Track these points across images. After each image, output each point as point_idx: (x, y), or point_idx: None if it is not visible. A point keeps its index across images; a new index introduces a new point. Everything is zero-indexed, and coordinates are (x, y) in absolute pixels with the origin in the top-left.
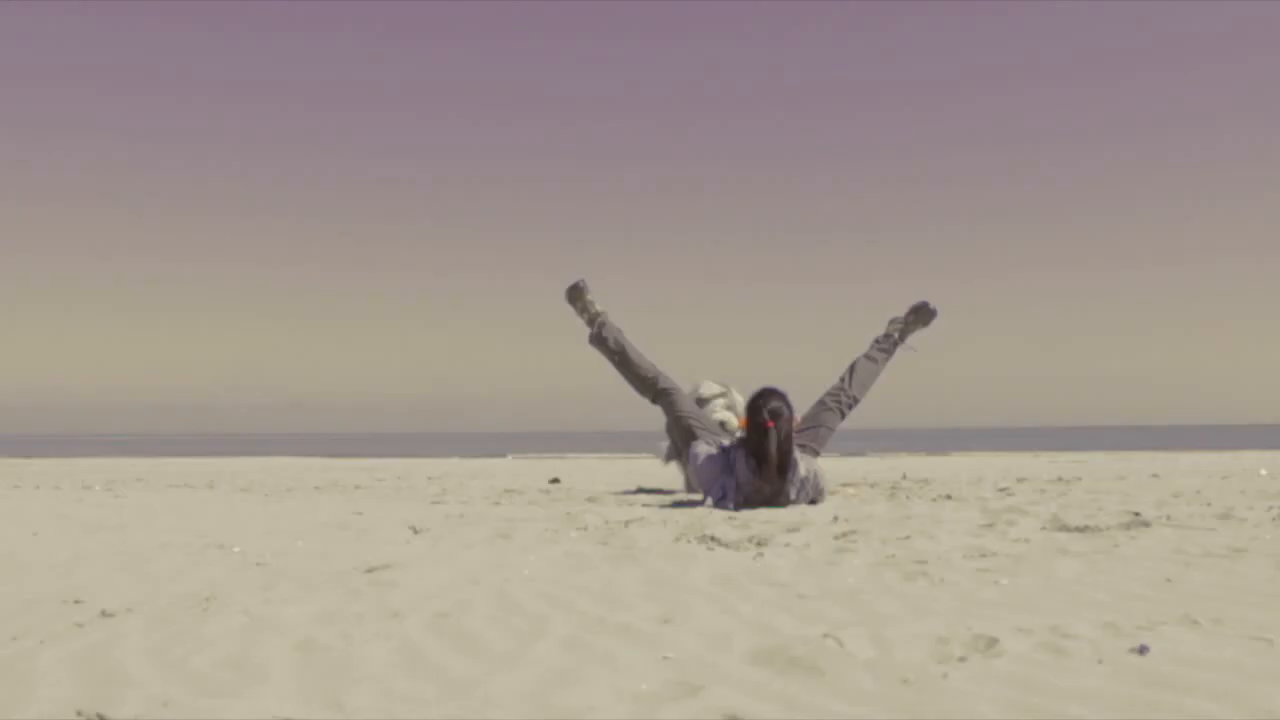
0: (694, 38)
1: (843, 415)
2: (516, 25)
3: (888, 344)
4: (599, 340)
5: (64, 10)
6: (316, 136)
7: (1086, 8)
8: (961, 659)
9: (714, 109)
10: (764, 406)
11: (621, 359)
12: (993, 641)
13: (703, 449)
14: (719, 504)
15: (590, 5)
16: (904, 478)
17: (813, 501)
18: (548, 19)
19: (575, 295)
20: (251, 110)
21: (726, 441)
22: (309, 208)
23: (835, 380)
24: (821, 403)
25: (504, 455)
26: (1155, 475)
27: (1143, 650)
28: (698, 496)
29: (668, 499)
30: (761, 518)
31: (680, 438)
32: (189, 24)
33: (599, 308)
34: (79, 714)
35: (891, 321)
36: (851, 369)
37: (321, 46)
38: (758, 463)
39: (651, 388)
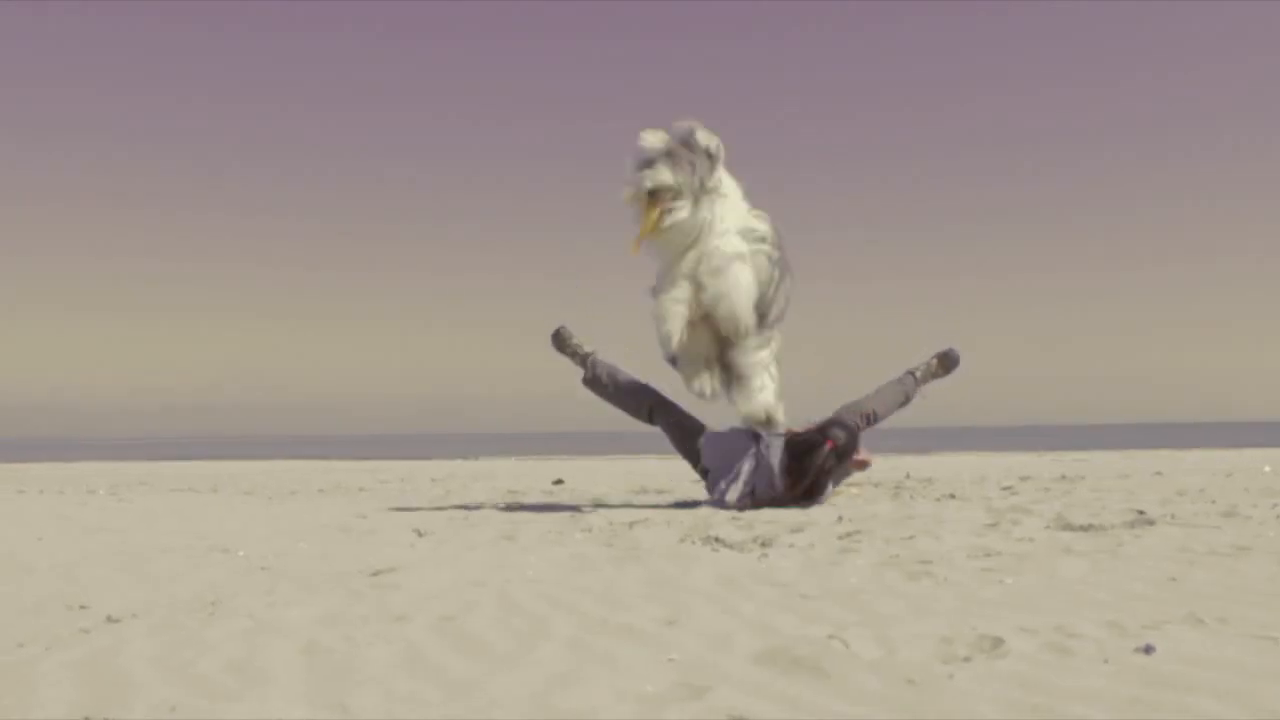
0: (694, 38)
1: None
2: (516, 25)
3: (909, 381)
4: (593, 381)
5: (64, 10)
6: (316, 136)
7: (1086, 8)
8: (966, 659)
9: (714, 109)
10: (834, 426)
11: (616, 391)
12: (997, 642)
13: (717, 431)
14: (736, 499)
15: (590, 5)
16: (907, 477)
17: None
18: (548, 19)
19: (561, 342)
20: (251, 110)
21: (763, 433)
22: (309, 208)
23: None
24: (839, 413)
25: (507, 456)
26: (1159, 473)
27: (1148, 650)
28: (703, 497)
29: (672, 500)
30: (765, 518)
31: (682, 441)
32: (189, 24)
33: (588, 348)
34: (86, 719)
35: (909, 373)
36: (878, 390)
37: (321, 46)
38: (792, 460)
39: (646, 405)
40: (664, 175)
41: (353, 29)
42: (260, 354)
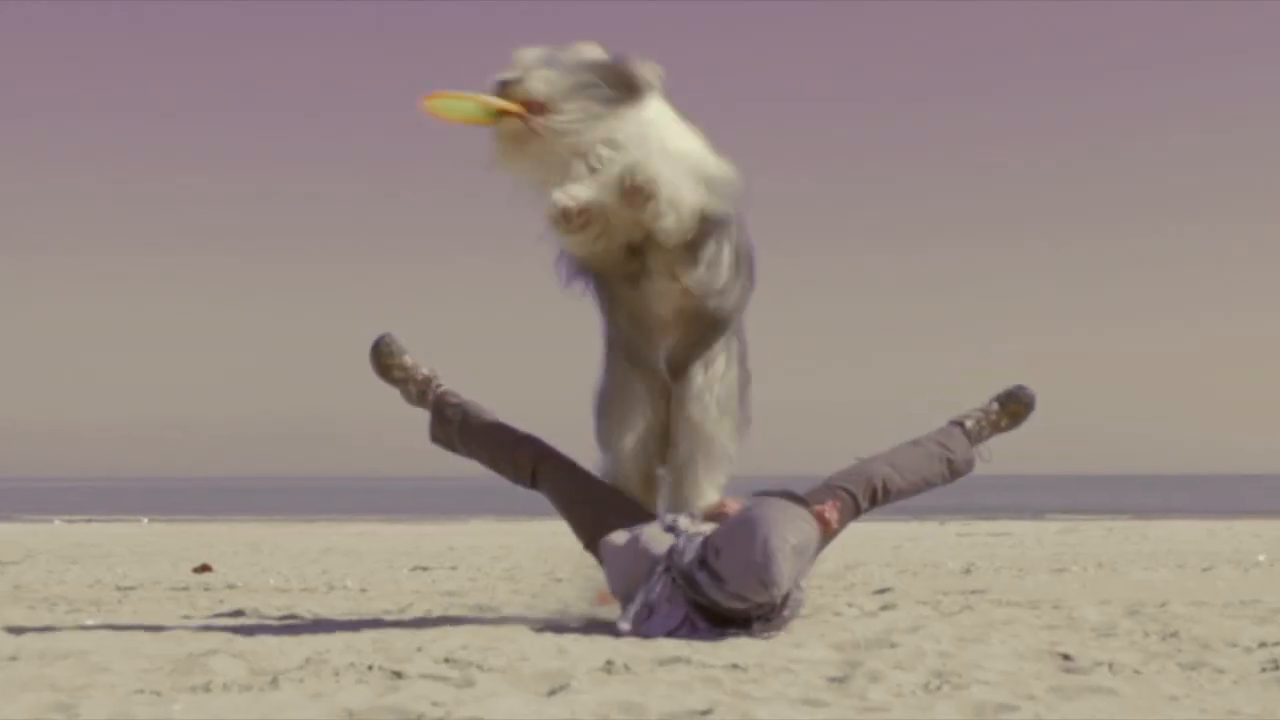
0: (694, 38)
1: (857, 509)
2: (516, 25)
3: (956, 438)
4: (441, 422)
5: (64, 10)
6: (317, 136)
7: (1087, 7)
8: None
9: (714, 109)
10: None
11: (477, 437)
12: None
13: (620, 536)
14: (638, 624)
15: (590, 5)
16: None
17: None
18: (547, 19)
19: (383, 363)
20: (251, 110)
21: (677, 522)
22: (309, 207)
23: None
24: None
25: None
26: (1101, 565)
27: None
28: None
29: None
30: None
31: (579, 527)
32: (189, 24)
33: (426, 371)
34: None
35: (955, 423)
36: (895, 449)
37: (321, 47)
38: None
39: (525, 467)
40: (536, 79)
41: (352, 29)
42: (261, 354)
